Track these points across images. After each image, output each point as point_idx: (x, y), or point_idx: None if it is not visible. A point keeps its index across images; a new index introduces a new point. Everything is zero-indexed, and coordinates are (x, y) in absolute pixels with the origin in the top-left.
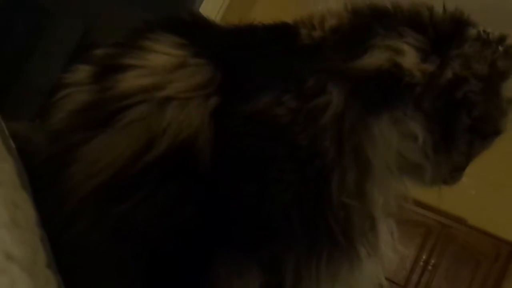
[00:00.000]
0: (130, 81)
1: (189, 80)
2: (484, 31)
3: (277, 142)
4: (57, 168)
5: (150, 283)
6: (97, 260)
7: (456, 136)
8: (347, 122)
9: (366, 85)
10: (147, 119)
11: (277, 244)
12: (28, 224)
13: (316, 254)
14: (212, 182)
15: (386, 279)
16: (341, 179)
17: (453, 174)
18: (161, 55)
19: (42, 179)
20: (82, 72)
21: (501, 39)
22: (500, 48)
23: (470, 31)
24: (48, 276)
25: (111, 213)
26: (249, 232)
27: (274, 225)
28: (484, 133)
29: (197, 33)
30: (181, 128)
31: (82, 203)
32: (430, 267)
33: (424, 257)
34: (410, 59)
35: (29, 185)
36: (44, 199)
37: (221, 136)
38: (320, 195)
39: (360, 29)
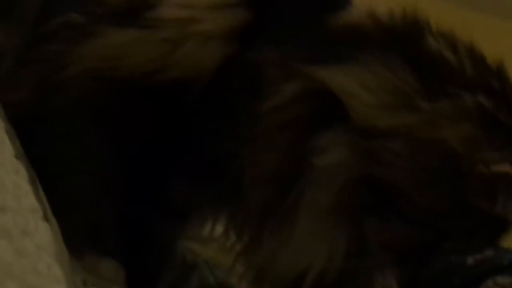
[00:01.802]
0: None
1: (221, 21)
2: None
3: (252, 95)
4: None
5: (120, 167)
6: (77, 139)
7: None
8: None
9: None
10: (173, 41)
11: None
12: None
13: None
14: (191, 112)
15: None
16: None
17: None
18: None
19: None
20: None
21: None
22: None
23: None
24: (16, 166)
25: (99, 97)
26: (206, 162)
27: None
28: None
29: None
30: (190, 67)
31: (82, 75)
32: None
33: None
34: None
35: None
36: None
37: (218, 77)
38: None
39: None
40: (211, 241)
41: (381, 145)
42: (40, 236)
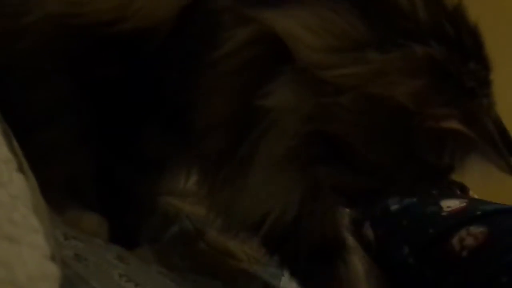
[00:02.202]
0: None
1: None
2: None
3: (209, 43)
4: None
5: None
6: (43, 86)
7: None
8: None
9: None
10: None
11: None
12: None
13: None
14: (154, 62)
15: None
16: None
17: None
18: None
19: None
20: None
21: None
22: None
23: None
24: None
25: (60, 42)
26: (171, 112)
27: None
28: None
29: None
30: (148, 17)
31: (43, 21)
32: None
33: None
34: None
35: None
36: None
37: (178, 27)
38: None
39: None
40: (188, 195)
41: (331, 99)
42: (14, 187)
